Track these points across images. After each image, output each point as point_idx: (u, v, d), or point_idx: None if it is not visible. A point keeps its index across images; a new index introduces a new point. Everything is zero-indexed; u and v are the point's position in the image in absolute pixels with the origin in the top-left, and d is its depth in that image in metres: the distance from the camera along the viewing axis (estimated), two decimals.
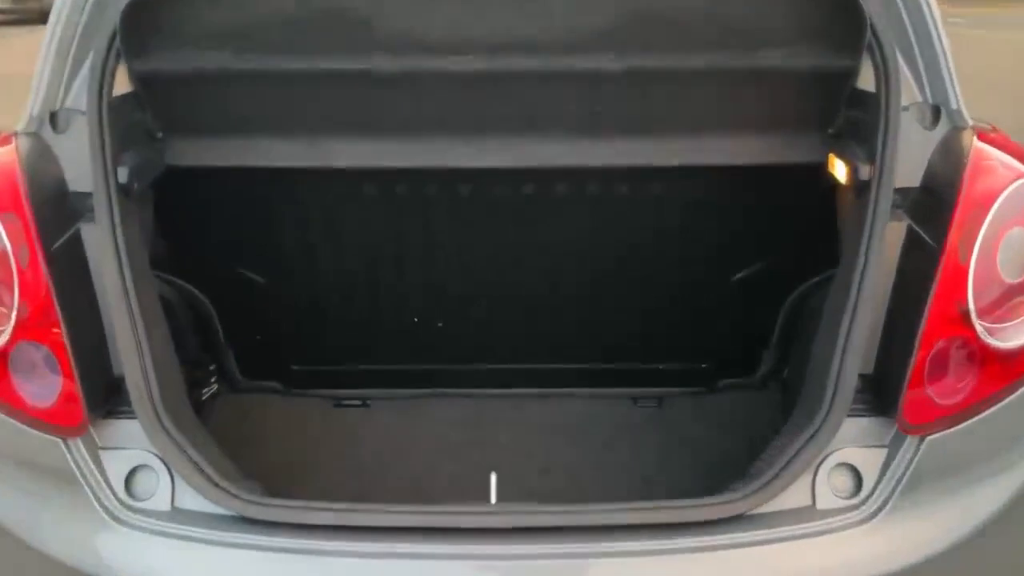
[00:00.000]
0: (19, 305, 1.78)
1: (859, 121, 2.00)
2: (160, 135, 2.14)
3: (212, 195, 2.31)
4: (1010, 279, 1.79)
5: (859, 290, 1.82)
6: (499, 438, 2.70)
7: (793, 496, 1.78)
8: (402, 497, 2.52)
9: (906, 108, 1.93)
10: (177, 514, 1.80)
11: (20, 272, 1.78)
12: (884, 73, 1.88)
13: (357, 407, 2.79)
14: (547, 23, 1.96)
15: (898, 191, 1.87)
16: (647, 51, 1.99)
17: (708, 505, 1.75)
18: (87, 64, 1.95)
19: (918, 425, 1.79)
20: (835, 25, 1.94)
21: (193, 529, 1.77)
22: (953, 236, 1.76)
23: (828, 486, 1.80)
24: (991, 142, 1.89)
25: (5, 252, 1.78)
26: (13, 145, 1.91)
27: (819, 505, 1.79)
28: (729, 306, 2.56)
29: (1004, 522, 1.82)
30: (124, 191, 1.90)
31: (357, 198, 2.35)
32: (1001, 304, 1.79)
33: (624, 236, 2.45)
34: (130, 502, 1.81)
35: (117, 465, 1.83)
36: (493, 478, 2.15)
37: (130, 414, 1.83)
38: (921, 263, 1.82)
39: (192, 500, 1.79)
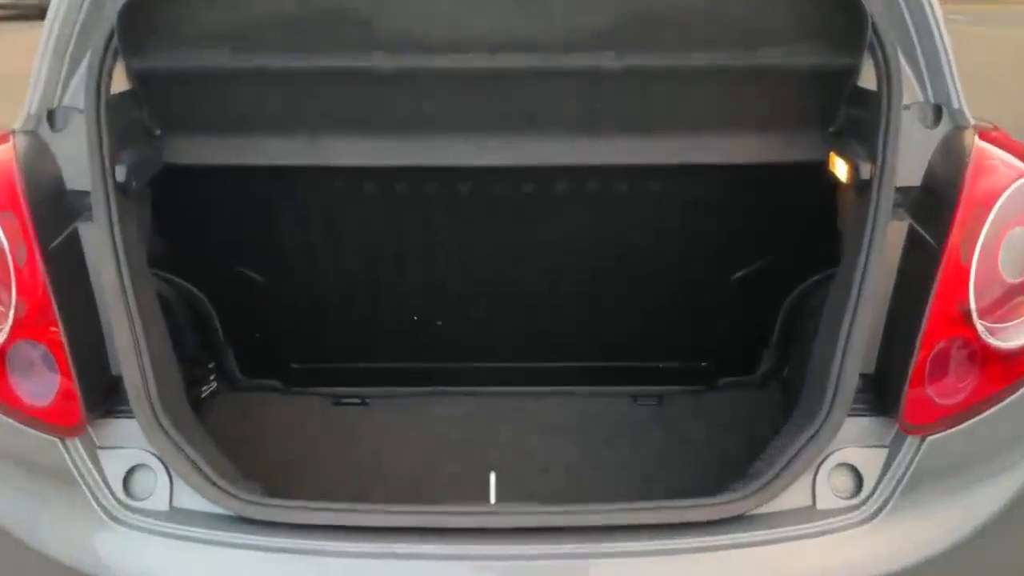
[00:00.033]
0: (16, 304, 1.77)
1: (860, 120, 1.99)
2: (158, 133, 2.13)
3: (211, 193, 2.30)
4: (1011, 279, 1.78)
5: (860, 290, 1.81)
6: (499, 436, 2.69)
7: (793, 496, 1.77)
8: (401, 496, 2.52)
9: (907, 107, 1.92)
10: (175, 514, 1.79)
11: (17, 271, 1.77)
12: (885, 72, 1.87)
13: (356, 405, 2.78)
14: (547, 21, 1.95)
15: (899, 190, 1.86)
16: (647, 50, 1.98)
17: (708, 505, 1.74)
18: (85, 62, 1.94)
19: (919, 425, 1.79)
20: (836, 23, 1.93)
21: (191, 529, 1.76)
22: (955, 236, 1.75)
23: (828, 486, 1.79)
24: (993, 141, 1.89)
25: (2, 251, 1.77)
26: (10, 143, 1.91)
27: (819, 505, 1.78)
28: (729, 305, 2.56)
29: (1005, 522, 1.81)
30: (122, 190, 1.90)
31: (357, 196, 2.34)
32: (1002, 304, 1.79)
33: (624, 234, 2.44)
34: (128, 502, 1.81)
35: (115, 465, 1.83)
36: (492, 478, 2.15)
37: (128, 413, 1.82)
38: (922, 263, 1.81)
39: (190, 500, 1.79)
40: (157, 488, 1.81)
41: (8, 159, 1.85)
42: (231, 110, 2.11)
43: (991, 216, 1.76)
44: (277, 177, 2.26)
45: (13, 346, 1.79)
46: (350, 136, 2.16)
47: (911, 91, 1.97)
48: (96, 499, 1.80)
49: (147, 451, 1.82)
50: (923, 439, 1.79)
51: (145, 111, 2.08)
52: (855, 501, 1.79)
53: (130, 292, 1.83)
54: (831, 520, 1.77)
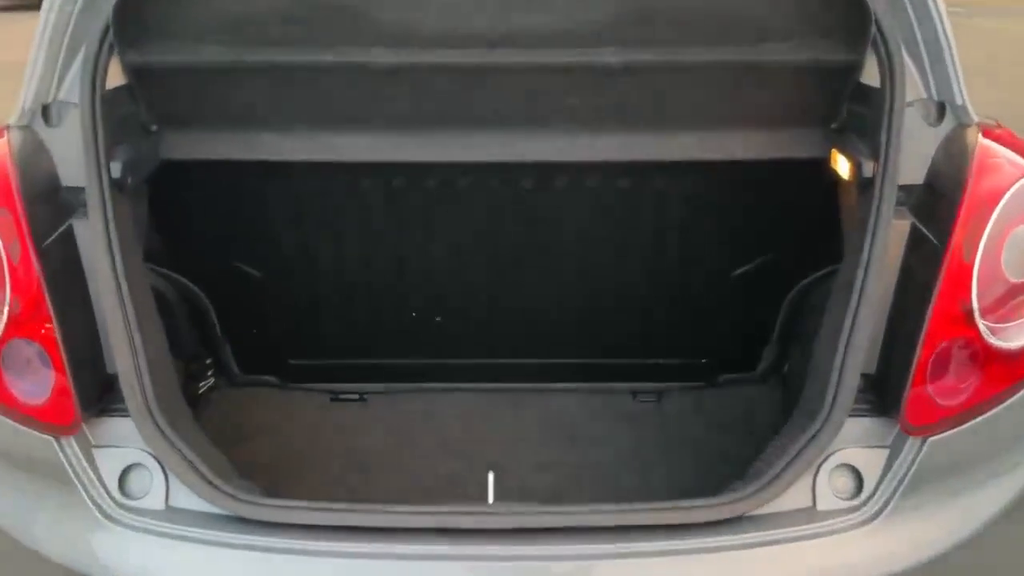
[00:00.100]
0: (10, 301, 1.76)
1: (863, 117, 1.97)
2: (154, 128, 2.11)
3: (208, 189, 2.28)
4: (1014, 278, 1.77)
5: (861, 289, 1.80)
6: (497, 433, 2.68)
7: (793, 497, 1.76)
8: (399, 492, 2.51)
9: (910, 104, 1.90)
10: (171, 513, 1.78)
11: (11, 268, 1.76)
12: (888, 68, 1.85)
13: (354, 401, 2.77)
14: (547, 17, 1.93)
15: (902, 188, 1.85)
16: (648, 45, 1.96)
17: (708, 506, 1.73)
18: (80, 56, 1.92)
19: (920, 426, 1.77)
20: (839, 19, 1.91)
21: (187, 528, 1.76)
22: (957, 235, 1.74)
23: (829, 487, 1.78)
24: (996, 139, 1.87)
25: None
26: (4, 139, 1.89)
27: (820, 506, 1.77)
28: (729, 301, 2.55)
29: (1006, 524, 1.80)
30: (117, 186, 1.88)
31: (355, 192, 2.33)
32: (1005, 303, 1.77)
33: (624, 230, 2.43)
34: (124, 501, 1.80)
35: (111, 463, 1.82)
36: (491, 477, 2.14)
37: (124, 412, 1.81)
38: (924, 262, 1.79)
39: (186, 499, 1.78)
40: (153, 487, 1.80)
41: (2, 155, 1.83)
42: (228, 105, 2.10)
43: (994, 215, 1.74)
44: (275, 173, 2.24)
45: (7, 344, 1.78)
46: (348, 131, 2.15)
47: (914, 88, 1.95)
48: (91, 498, 1.79)
49: (143, 450, 1.81)
50: (924, 440, 1.78)
51: (141, 106, 2.06)
52: (855, 502, 1.78)
53: (125, 290, 1.82)
54: (831, 521, 1.76)
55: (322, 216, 2.39)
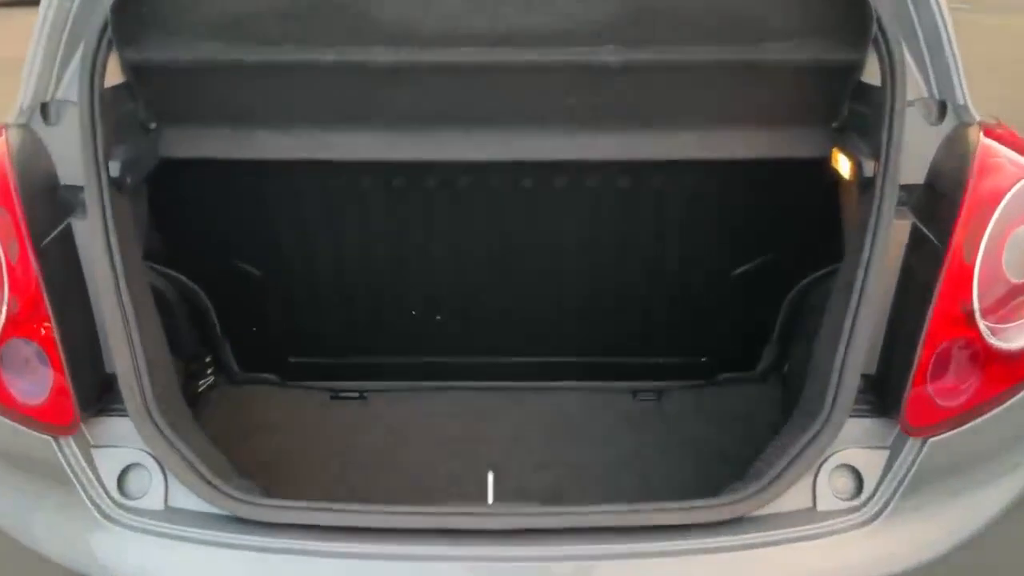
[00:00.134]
0: (9, 301, 1.75)
1: (863, 116, 1.97)
2: (153, 127, 2.10)
3: (207, 187, 2.28)
4: (1016, 279, 1.76)
5: (862, 289, 1.79)
6: (497, 431, 2.68)
7: (793, 498, 1.76)
8: (399, 491, 2.51)
9: (911, 103, 1.89)
10: (170, 513, 1.78)
11: (9, 268, 1.75)
12: (890, 67, 1.84)
13: (354, 399, 2.77)
14: (547, 16, 1.92)
15: (902, 188, 1.84)
16: (648, 44, 1.95)
17: (708, 507, 1.73)
18: (78, 54, 1.92)
19: (921, 427, 1.77)
20: (840, 18, 1.90)
21: (186, 529, 1.75)
22: (958, 235, 1.73)
23: (829, 488, 1.78)
24: (998, 138, 1.86)
25: None
26: (3, 138, 1.88)
27: (820, 507, 1.77)
28: (730, 300, 2.54)
29: (1006, 524, 1.80)
30: (116, 185, 1.87)
31: (354, 190, 2.32)
32: (1005, 304, 1.77)
33: (624, 229, 2.42)
34: (123, 501, 1.79)
35: (109, 463, 1.81)
36: (490, 477, 2.13)
37: (123, 412, 1.81)
38: (925, 262, 1.79)
39: (185, 499, 1.78)
40: (152, 487, 1.80)
41: (0, 154, 1.83)
42: (227, 103, 2.09)
43: (995, 215, 1.74)
44: (274, 171, 2.24)
45: (6, 344, 1.77)
46: (348, 130, 2.14)
47: (915, 87, 1.94)
48: (90, 498, 1.79)
49: (142, 450, 1.80)
50: (925, 441, 1.78)
51: (140, 104, 2.05)
52: (856, 503, 1.77)
53: (124, 289, 1.81)
54: (831, 522, 1.75)
55: (322, 215, 2.39)
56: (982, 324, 1.74)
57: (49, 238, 1.81)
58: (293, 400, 2.76)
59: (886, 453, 1.79)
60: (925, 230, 1.82)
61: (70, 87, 1.96)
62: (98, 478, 1.80)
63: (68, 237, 1.86)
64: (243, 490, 1.80)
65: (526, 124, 2.12)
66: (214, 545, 1.74)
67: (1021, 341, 1.77)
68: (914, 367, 1.74)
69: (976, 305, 1.73)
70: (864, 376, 1.81)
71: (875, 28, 1.85)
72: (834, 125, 2.07)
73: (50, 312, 1.75)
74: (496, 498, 2.27)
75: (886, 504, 1.76)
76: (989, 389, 1.77)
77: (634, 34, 1.94)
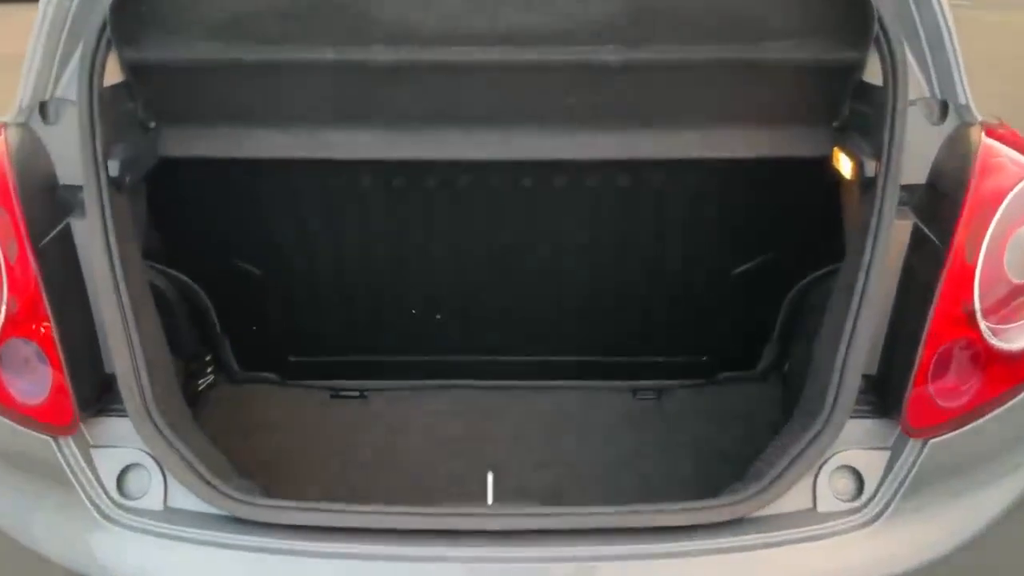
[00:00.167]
0: (8, 301, 1.75)
1: (865, 115, 1.96)
2: (153, 126, 2.10)
3: (207, 186, 2.27)
4: (1017, 279, 1.75)
5: (863, 290, 1.79)
6: (497, 430, 2.68)
7: (794, 499, 1.75)
8: (399, 490, 2.51)
9: (913, 103, 1.88)
10: (170, 513, 1.78)
11: (8, 268, 1.75)
12: (891, 66, 1.84)
13: (354, 398, 2.77)
14: (547, 15, 1.92)
15: (904, 188, 1.83)
16: (648, 43, 1.95)
17: (708, 508, 1.73)
18: (77, 53, 1.91)
19: (922, 428, 1.76)
20: (841, 17, 1.90)
21: (185, 529, 1.75)
22: (960, 235, 1.72)
23: (829, 489, 1.77)
24: (1000, 138, 1.85)
25: None
26: (2, 137, 1.88)
27: (820, 508, 1.76)
28: (730, 299, 2.54)
29: (1008, 526, 1.79)
30: (115, 184, 1.87)
31: (354, 189, 2.32)
32: (1007, 304, 1.76)
33: (624, 228, 2.41)
34: (122, 501, 1.79)
35: (109, 464, 1.81)
36: (490, 478, 2.13)
37: (122, 412, 1.80)
38: (926, 262, 1.78)
39: (185, 499, 1.77)
40: (151, 487, 1.79)
41: None
42: (227, 102, 2.08)
43: (997, 215, 1.73)
44: (274, 170, 2.23)
45: (5, 344, 1.77)
46: (348, 129, 2.14)
47: (916, 86, 1.93)
48: (90, 498, 1.79)
49: (141, 450, 1.80)
50: (925, 442, 1.77)
51: (139, 103, 2.05)
52: (856, 504, 1.77)
53: (123, 289, 1.81)
54: (832, 523, 1.75)
55: (322, 214, 2.38)
56: (983, 324, 1.74)
57: (48, 238, 1.80)
58: (293, 399, 2.76)
59: (887, 454, 1.79)
60: (926, 230, 1.81)
61: (69, 86, 1.95)
62: (97, 478, 1.80)
63: (67, 237, 1.85)
64: (243, 490, 1.79)
65: (526, 123, 2.11)
66: (213, 545, 1.73)
67: (1022, 342, 1.76)
68: (915, 367, 1.74)
69: (977, 305, 1.73)
70: (865, 376, 1.80)
71: (877, 27, 1.84)
72: (835, 125, 2.07)
73: (49, 312, 1.75)
74: (496, 497, 2.27)
75: (887, 505, 1.76)
76: (990, 390, 1.76)
77: (634, 33, 1.94)
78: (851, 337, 1.78)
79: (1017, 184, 1.75)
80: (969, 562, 1.78)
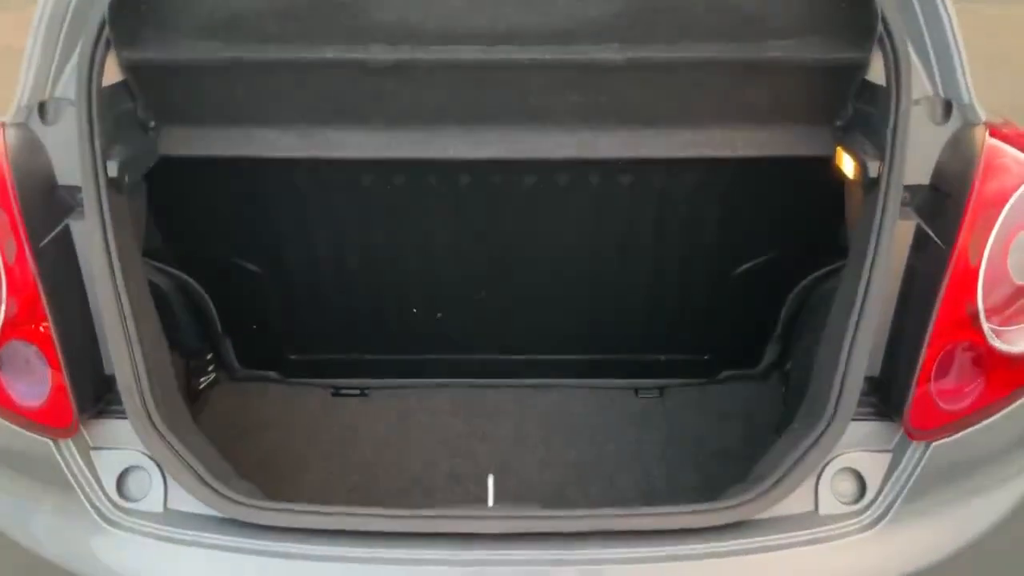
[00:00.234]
0: (6, 302, 1.74)
1: (868, 115, 1.95)
2: (152, 125, 2.09)
3: (207, 185, 2.26)
4: (1021, 281, 1.74)
5: (866, 291, 1.78)
6: (499, 429, 2.68)
7: (796, 501, 1.75)
8: (400, 488, 2.51)
9: (916, 102, 1.87)
10: (170, 516, 1.77)
11: (7, 269, 1.74)
12: (895, 66, 1.82)
13: (356, 396, 2.76)
14: (548, 12, 1.90)
15: (907, 188, 1.82)
16: (651, 42, 1.93)
17: (710, 511, 1.72)
18: (77, 52, 1.90)
19: (924, 430, 1.76)
20: (845, 16, 1.88)
21: (185, 532, 1.74)
22: (964, 237, 1.71)
23: (831, 491, 1.77)
24: (1004, 138, 1.84)
25: None
26: (0, 137, 1.86)
27: (822, 511, 1.76)
28: (732, 298, 2.53)
29: (1009, 529, 1.79)
30: (115, 185, 1.86)
31: (355, 188, 2.31)
32: (1010, 306, 1.75)
33: (626, 227, 2.41)
34: (122, 503, 1.79)
35: (109, 466, 1.81)
36: (491, 480, 2.13)
37: (122, 413, 1.80)
38: (930, 264, 1.77)
39: (185, 501, 1.77)
40: (151, 489, 1.79)
41: None
42: (227, 101, 2.07)
43: (1001, 217, 1.72)
44: (275, 169, 2.22)
45: (4, 346, 1.76)
46: (349, 128, 2.13)
47: (920, 86, 1.92)
48: (89, 501, 1.78)
49: (141, 452, 1.79)
50: (928, 444, 1.77)
51: (138, 103, 2.04)
52: (858, 507, 1.76)
53: (123, 291, 1.80)
54: (833, 526, 1.74)
55: (322, 212, 2.37)
56: (986, 327, 1.73)
57: (47, 239, 1.80)
58: (294, 397, 2.76)
59: (889, 456, 1.78)
60: (929, 231, 1.80)
61: (68, 86, 1.94)
62: (97, 480, 1.80)
63: (66, 237, 1.85)
64: (243, 492, 1.79)
65: (528, 122, 2.10)
66: (213, 548, 1.73)
67: None
68: (918, 369, 1.73)
69: (981, 307, 1.72)
70: (867, 378, 1.79)
71: (880, 26, 1.83)
72: (838, 124, 2.05)
73: (49, 313, 1.74)
74: (497, 497, 2.27)
75: (889, 508, 1.75)
76: (993, 392, 1.76)
77: (636, 32, 1.92)
78: (853, 339, 1.77)
79: (1021, 185, 1.74)
80: (971, 565, 1.77)
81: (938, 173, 1.87)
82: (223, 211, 2.37)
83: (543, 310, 2.59)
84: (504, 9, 1.90)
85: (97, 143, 1.81)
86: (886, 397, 1.82)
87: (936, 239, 1.78)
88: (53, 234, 1.81)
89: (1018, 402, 1.78)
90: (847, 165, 1.99)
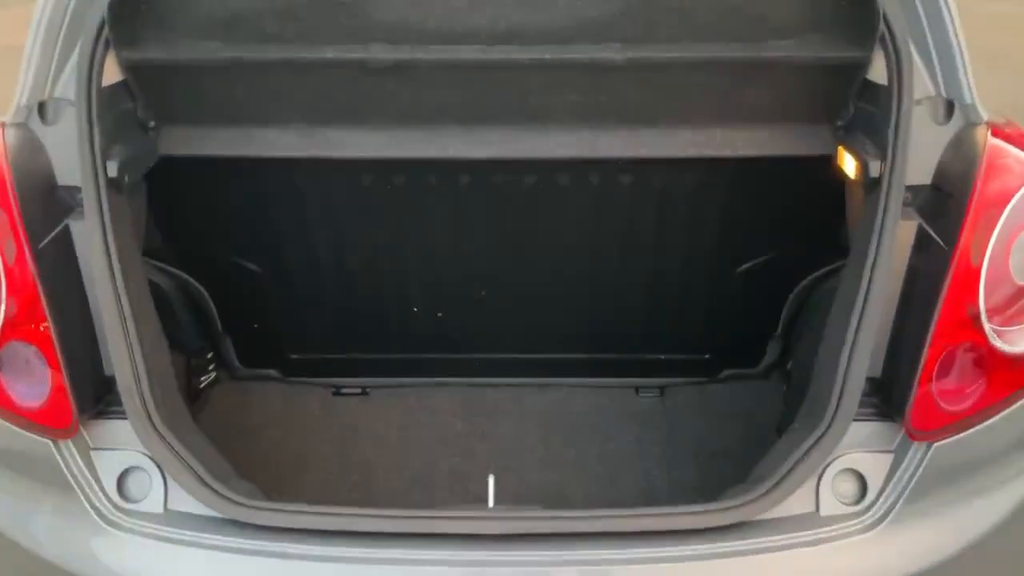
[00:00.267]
0: (6, 303, 1.74)
1: (870, 115, 1.94)
2: (152, 125, 2.08)
3: (208, 184, 2.26)
4: (1022, 281, 1.74)
5: (867, 292, 1.77)
6: (499, 428, 2.68)
7: (796, 502, 1.75)
8: (400, 488, 2.51)
9: (918, 102, 1.86)
10: (170, 516, 1.77)
11: (7, 269, 1.74)
12: (896, 65, 1.82)
13: (356, 395, 2.76)
14: (549, 12, 1.90)
15: (909, 188, 1.82)
16: (652, 41, 1.93)
17: (711, 512, 1.72)
18: (76, 52, 1.89)
19: (926, 431, 1.75)
20: (846, 15, 1.88)
21: (186, 532, 1.74)
22: (965, 237, 1.71)
23: (832, 492, 1.77)
24: (1006, 138, 1.83)
25: None
26: (0, 137, 1.86)
27: (823, 512, 1.75)
28: (733, 297, 2.53)
29: (1010, 530, 1.78)
30: (114, 185, 1.85)
31: (355, 188, 2.30)
32: (1011, 306, 1.75)
33: (627, 226, 2.40)
34: (122, 504, 1.78)
35: (109, 466, 1.80)
36: (491, 480, 2.13)
37: (122, 414, 1.80)
38: (931, 264, 1.77)
39: (185, 502, 1.77)
40: (152, 490, 1.79)
41: None
42: (227, 101, 2.07)
43: (1003, 217, 1.72)
44: (275, 168, 2.22)
45: (4, 346, 1.76)
46: (349, 128, 2.12)
47: (922, 85, 1.91)
48: (90, 501, 1.78)
49: (141, 453, 1.79)
50: (929, 445, 1.76)
51: (138, 103, 2.03)
52: (859, 507, 1.76)
53: (122, 291, 1.80)
54: (834, 527, 1.74)
55: (322, 212, 2.37)
56: (988, 327, 1.72)
57: (47, 239, 1.79)
58: (294, 396, 2.76)
59: (890, 457, 1.78)
60: (931, 231, 1.80)
61: (68, 86, 1.93)
62: (97, 481, 1.79)
63: (66, 238, 1.84)
64: (243, 493, 1.79)
65: (528, 122, 2.09)
66: (213, 549, 1.73)
67: None
68: (919, 370, 1.73)
69: (982, 308, 1.72)
70: (868, 379, 1.79)
71: (882, 25, 1.82)
72: (839, 124, 2.05)
73: (48, 314, 1.74)
74: (498, 496, 2.27)
75: (890, 509, 1.75)
76: (995, 393, 1.75)
77: (637, 31, 1.92)
78: (855, 340, 1.77)
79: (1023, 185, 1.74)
80: (973, 566, 1.77)
81: (940, 173, 1.86)
82: (223, 211, 2.36)
83: (543, 309, 2.59)
84: (504, 9, 1.89)
85: (97, 143, 1.80)
86: (887, 398, 1.81)
87: (938, 239, 1.78)
88: (53, 234, 1.81)
89: (1020, 403, 1.77)
90: (848, 165, 1.99)
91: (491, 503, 2.11)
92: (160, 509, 1.77)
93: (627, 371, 2.75)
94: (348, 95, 2.05)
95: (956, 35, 1.97)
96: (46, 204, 1.84)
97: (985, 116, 1.92)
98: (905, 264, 1.82)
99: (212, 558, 1.72)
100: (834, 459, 1.77)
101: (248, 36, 1.93)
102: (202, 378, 2.65)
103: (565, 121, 2.09)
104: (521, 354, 2.71)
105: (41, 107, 1.92)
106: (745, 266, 2.46)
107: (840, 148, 2.04)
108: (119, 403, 1.79)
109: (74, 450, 1.80)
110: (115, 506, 1.78)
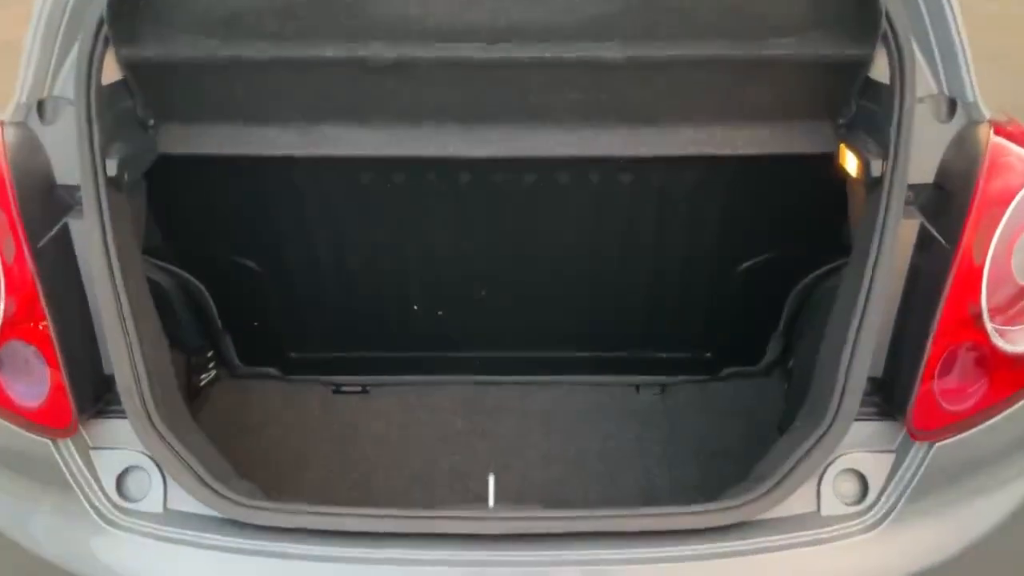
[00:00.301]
0: (5, 302, 1.74)
1: (872, 113, 1.93)
2: (151, 123, 2.08)
3: (207, 183, 2.26)
4: None
5: (869, 291, 1.77)
6: (499, 426, 2.67)
7: (797, 502, 1.74)
8: (400, 486, 2.51)
9: (920, 100, 1.86)
10: (169, 516, 1.77)
11: (6, 268, 1.73)
12: (899, 63, 1.81)
13: (357, 394, 2.76)
14: (550, 10, 1.89)
15: (911, 187, 1.81)
16: (653, 39, 1.92)
17: (712, 512, 1.71)
18: (75, 50, 1.89)
19: (927, 431, 1.75)
20: (848, 13, 1.87)
21: (185, 532, 1.74)
22: (968, 236, 1.70)
23: (833, 492, 1.76)
24: (1009, 136, 1.83)
25: None
26: None
27: (824, 511, 1.75)
28: (734, 296, 2.52)
29: (1012, 530, 1.78)
30: (114, 183, 1.85)
31: (355, 186, 2.30)
32: (1014, 306, 1.74)
33: (627, 224, 2.40)
34: (122, 503, 1.78)
35: (108, 466, 1.80)
36: (491, 480, 2.12)
37: (122, 413, 1.79)
38: (933, 263, 1.76)
39: (185, 502, 1.76)
40: (151, 490, 1.78)
41: None
42: (226, 100, 2.06)
43: (1006, 216, 1.71)
44: (274, 167, 2.21)
45: (4, 345, 1.76)
46: (348, 126, 2.12)
47: (924, 83, 1.90)
48: (89, 501, 1.78)
49: (141, 452, 1.79)
50: (931, 445, 1.76)
51: (138, 101, 2.03)
52: (860, 507, 1.76)
53: (122, 290, 1.79)
54: (835, 527, 1.74)
55: (322, 210, 2.37)
56: (990, 327, 1.72)
57: (46, 238, 1.79)
58: (295, 394, 2.76)
59: (892, 457, 1.78)
60: (933, 230, 1.80)
61: (67, 84, 1.93)
62: (97, 480, 1.79)
63: (65, 237, 1.84)
64: (242, 492, 1.78)
65: (528, 120, 2.09)
66: (213, 548, 1.73)
67: None
68: (921, 370, 1.72)
69: (984, 307, 1.71)
70: (870, 378, 1.78)
71: (884, 23, 1.81)
72: (841, 122, 2.04)
73: (47, 313, 1.74)
74: (498, 494, 2.26)
75: (891, 509, 1.75)
76: (997, 393, 1.75)
77: (637, 29, 1.91)
78: (856, 339, 1.76)
79: None
80: (974, 566, 1.77)
81: (942, 172, 1.86)
82: (223, 209, 2.36)
83: (543, 308, 2.58)
84: (504, 7, 1.89)
85: (96, 142, 1.80)
86: (889, 397, 1.81)
87: (940, 238, 1.77)
88: (52, 233, 1.81)
89: (1021, 402, 1.77)
90: (850, 163, 1.98)
91: (491, 502, 2.10)
92: (160, 509, 1.77)
93: (628, 369, 2.75)
94: (348, 93, 2.05)
95: (958, 33, 1.97)
96: (45, 203, 1.83)
97: (987, 114, 1.92)
98: (907, 263, 1.82)
99: (212, 558, 1.72)
100: (835, 459, 1.76)
101: (248, 34, 1.93)
102: (202, 376, 2.65)
103: (565, 120, 2.09)
104: (521, 352, 2.70)
105: (40, 106, 1.92)
106: (746, 264, 2.45)
107: (842, 146, 2.03)
108: (118, 402, 1.79)
109: (73, 450, 1.80)
110: (114, 506, 1.78)
